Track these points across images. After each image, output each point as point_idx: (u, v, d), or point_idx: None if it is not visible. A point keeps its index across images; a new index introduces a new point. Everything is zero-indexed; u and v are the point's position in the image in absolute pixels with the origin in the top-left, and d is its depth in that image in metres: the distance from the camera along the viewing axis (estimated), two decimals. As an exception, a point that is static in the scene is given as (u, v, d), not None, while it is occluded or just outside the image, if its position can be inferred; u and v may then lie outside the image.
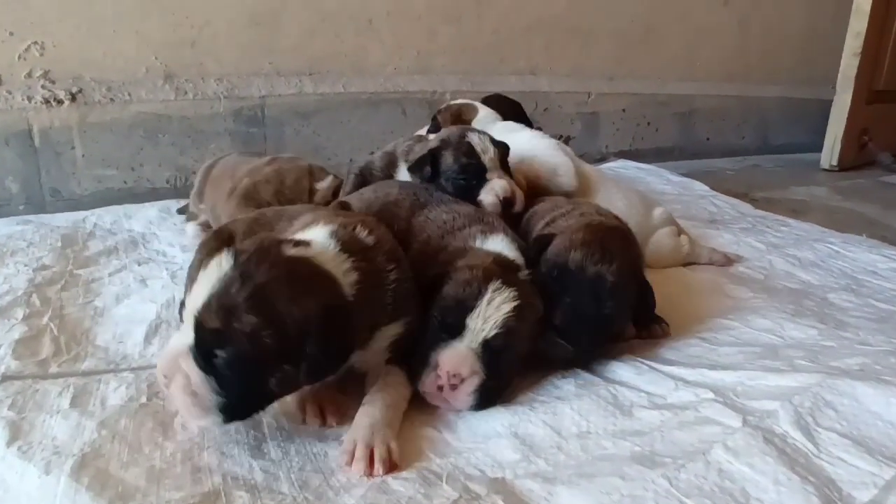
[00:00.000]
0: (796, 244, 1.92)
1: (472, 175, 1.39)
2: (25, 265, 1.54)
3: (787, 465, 0.80)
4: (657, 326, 1.24)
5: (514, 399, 1.01)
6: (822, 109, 3.44)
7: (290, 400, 0.96)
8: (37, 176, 2.07)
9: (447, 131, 1.51)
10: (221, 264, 0.83)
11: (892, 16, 3.27)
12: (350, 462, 0.83)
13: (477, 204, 1.36)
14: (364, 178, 1.58)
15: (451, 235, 1.17)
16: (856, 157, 3.42)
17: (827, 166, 3.39)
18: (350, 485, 0.80)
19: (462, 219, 1.21)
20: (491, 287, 0.97)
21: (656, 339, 1.23)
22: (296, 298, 0.80)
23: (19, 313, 1.28)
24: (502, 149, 1.45)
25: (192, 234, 1.79)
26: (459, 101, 2.02)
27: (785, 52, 3.75)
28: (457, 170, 1.39)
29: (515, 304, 0.97)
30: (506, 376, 1.00)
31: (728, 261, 1.74)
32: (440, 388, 0.94)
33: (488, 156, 1.40)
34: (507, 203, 1.37)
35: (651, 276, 1.24)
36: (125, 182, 2.19)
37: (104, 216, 1.98)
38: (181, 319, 1.00)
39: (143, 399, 0.98)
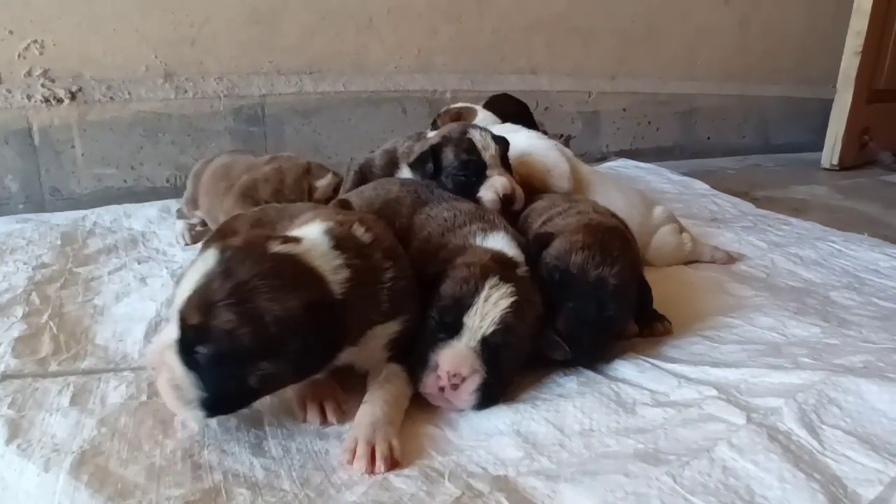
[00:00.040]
0: (798, 243, 1.92)
1: (472, 171, 1.38)
2: (25, 263, 1.54)
3: (792, 463, 0.80)
4: (659, 324, 1.24)
5: (516, 397, 1.01)
6: (823, 109, 3.44)
7: (291, 398, 0.96)
8: (36, 175, 2.07)
9: (448, 128, 1.51)
10: (207, 260, 0.83)
11: (892, 15, 3.27)
12: (351, 460, 0.82)
13: (477, 201, 1.35)
14: (364, 176, 1.57)
15: (451, 233, 1.17)
16: (856, 157, 3.42)
17: (828, 165, 3.39)
18: (352, 482, 0.80)
19: (463, 216, 1.20)
20: (488, 284, 0.96)
21: (658, 336, 1.23)
22: (276, 296, 0.80)
23: (19, 311, 1.27)
24: (503, 145, 1.45)
25: (180, 229, 1.79)
26: (459, 104, 2.02)
27: (785, 51, 3.75)
28: (457, 166, 1.39)
29: (513, 300, 0.96)
30: (507, 374, 0.99)
31: (730, 259, 1.74)
32: (441, 388, 0.94)
33: (489, 152, 1.40)
34: (507, 200, 1.37)
35: (652, 275, 1.24)
36: (125, 181, 2.19)
37: (104, 215, 1.98)
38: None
39: (143, 397, 0.97)
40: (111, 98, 2.11)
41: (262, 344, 0.79)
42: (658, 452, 0.84)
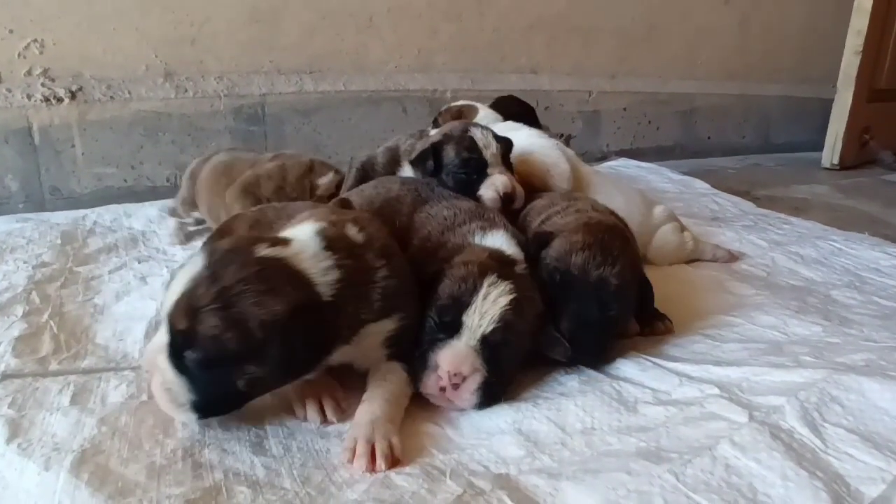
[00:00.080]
0: (799, 242, 1.92)
1: (473, 169, 1.38)
2: (25, 262, 1.54)
3: (795, 461, 0.80)
4: (660, 323, 1.24)
5: (517, 395, 1.01)
6: (823, 108, 3.44)
7: (291, 397, 0.95)
8: (36, 174, 2.07)
9: (450, 126, 1.51)
10: (195, 264, 0.84)
11: (893, 14, 3.27)
12: (352, 459, 0.82)
13: (477, 199, 1.35)
14: (366, 173, 1.57)
15: (450, 232, 1.17)
16: (857, 156, 3.41)
17: (828, 165, 3.38)
18: (353, 480, 0.80)
19: (463, 215, 1.20)
20: (486, 282, 0.96)
21: (659, 335, 1.22)
22: (261, 300, 0.80)
23: (19, 310, 1.27)
24: (505, 144, 1.45)
25: (172, 228, 1.79)
26: (460, 102, 2.02)
27: (786, 50, 3.75)
28: (458, 164, 1.39)
29: (512, 297, 0.96)
30: (507, 372, 0.99)
31: (732, 257, 1.74)
32: (442, 388, 0.93)
33: (490, 151, 1.40)
34: (507, 199, 1.37)
35: (653, 274, 1.24)
36: (125, 180, 2.19)
37: (104, 214, 1.97)
38: None
39: (144, 397, 0.97)
40: (111, 97, 2.11)
41: (247, 348, 0.80)
42: (660, 450, 0.83)
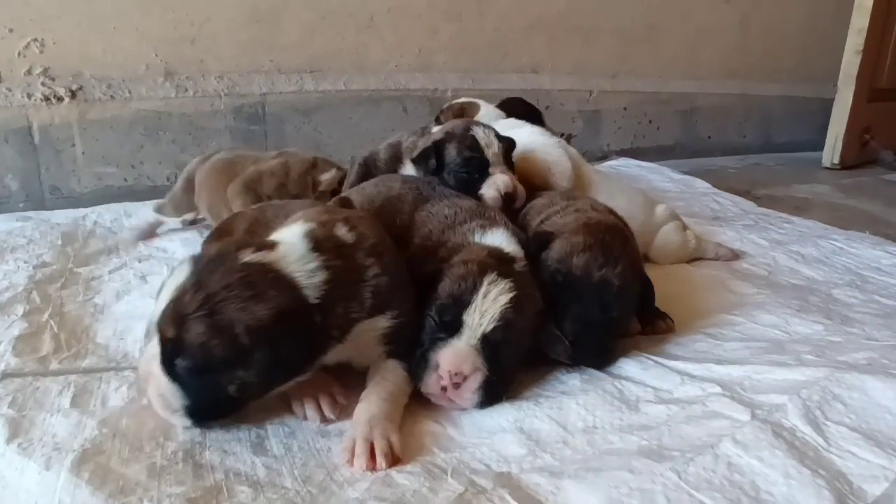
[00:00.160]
0: (800, 241, 1.92)
1: (474, 168, 1.38)
2: (25, 262, 1.53)
3: (797, 459, 0.79)
4: (661, 322, 1.23)
5: (518, 394, 1.00)
6: (824, 107, 3.44)
7: (290, 397, 0.95)
8: (36, 173, 2.06)
9: (452, 124, 1.51)
10: (181, 271, 0.84)
11: (893, 13, 3.27)
12: (351, 460, 0.82)
13: (478, 198, 1.35)
14: (368, 170, 1.57)
15: (451, 231, 1.16)
16: (858, 156, 3.41)
17: (829, 164, 3.38)
18: (354, 479, 0.79)
19: (463, 214, 1.20)
20: (486, 280, 0.96)
21: (661, 334, 1.22)
22: (246, 306, 0.80)
23: (19, 310, 1.27)
24: (507, 143, 1.45)
25: (138, 222, 1.80)
26: (462, 99, 2.01)
27: (786, 50, 3.75)
28: (460, 163, 1.39)
29: (512, 295, 0.96)
30: (508, 370, 0.99)
31: (733, 255, 1.74)
32: (443, 388, 0.93)
33: (492, 150, 1.40)
34: (508, 198, 1.37)
35: (654, 273, 1.24)
36: (125, 180, 2.18)
37: (104, 214, 1.97)
38: None
39: (145, 400, 0.96)
40: (111, 97, 2.11)
41: (234, 354, 0.81)
42: (662, 449, 0.83)
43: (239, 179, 1.62)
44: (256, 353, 0.81)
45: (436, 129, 1.55)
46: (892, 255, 1.77)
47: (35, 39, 2.00)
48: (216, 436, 0.89)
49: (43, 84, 2.02)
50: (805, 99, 3.86)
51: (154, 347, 0.85)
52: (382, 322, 0.95)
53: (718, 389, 0.97)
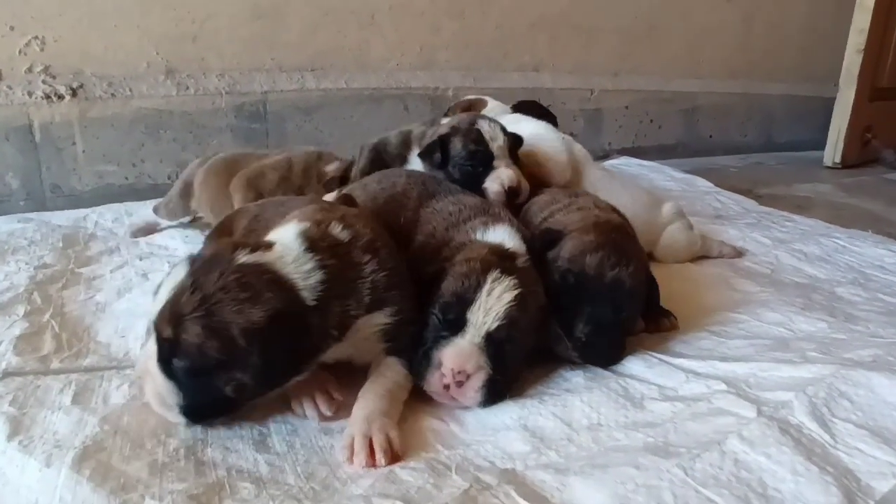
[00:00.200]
0: (802, 239, 1.92)
1: (479, 162, 1.38)
2: (27, 263, 1.53)
3: (805, 456, 0.79)
4: (666, 320, 1.23)
5: (522, 392, 1.00)
6: (826, 107, 3.43)
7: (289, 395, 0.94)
8: (37, 171, 2.06)
9: (458, 118, 1.51)
10: (178, 272, 0.84)
11: (895, 12, 3.26)
12: (351, 457, 0.81)
13: (482, 191, 1.35)
14: (378, 155, 1.58)
15: (455, 228, 1.16)
16: (859, 155, 3.41)
17: (830, 164, 3.38)
18: (357, 475, 0.79)
19: (467, 211, 1.19)
20: (490, 277, 0.95)
21: (665, 332, 1.22)
22: (241, 308, 0.80)
23: (20, 310, 1.26)
24: (512, 138, 1.45)
25: (136, 221, 1.82)
26: (470, 96, 2.02)
27: (788, 49, 3.75)
28: (465, 156, 1.39)
29: (517, 292, 0.95)
30: (512, 369, 0.98)
31: (737, 253, 1.75)
32: (446, 386, 0.92)
33: (497, 143, 1.40)
34: (511, 192, 1.37)
35: (657, 271, 1.24)
36: (126, 178, 2.18)
37: (105, 214, 1.97)
38: None
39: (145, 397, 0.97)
40: (112, 95, 2.10)
41: (231, 356, 0.81)
42: (668, 446, 0.83)
43: (242, 174, 1.61)
44: (253, 356, 0.81)
45: (445, 120, 1.56)
46: (894, 253, 1.77)
47: (36, 37, 1.99)
48: (218, 433, 0.88)
49: (44, 82, 2.02)
50: (806, 98, 3.85)
51: (151, 345, 0.85)
52: (381, 318, 0.95)
53: (724, 387, 0.97)
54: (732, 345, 1.16)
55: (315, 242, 0.90)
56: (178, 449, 0.84)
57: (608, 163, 2.93)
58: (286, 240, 0.90)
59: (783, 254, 1.77)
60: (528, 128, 1.60)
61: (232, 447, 0.85)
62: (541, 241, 1.15)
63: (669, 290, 1.26)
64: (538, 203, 1.38)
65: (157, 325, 0.83)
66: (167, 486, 0.76)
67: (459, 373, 0.92)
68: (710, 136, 3.60)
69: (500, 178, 1.36)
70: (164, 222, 1.81)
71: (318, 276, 0.87)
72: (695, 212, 2.16)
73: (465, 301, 0.95)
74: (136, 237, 1.77)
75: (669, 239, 1.64)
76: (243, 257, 0.85)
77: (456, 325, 0.94)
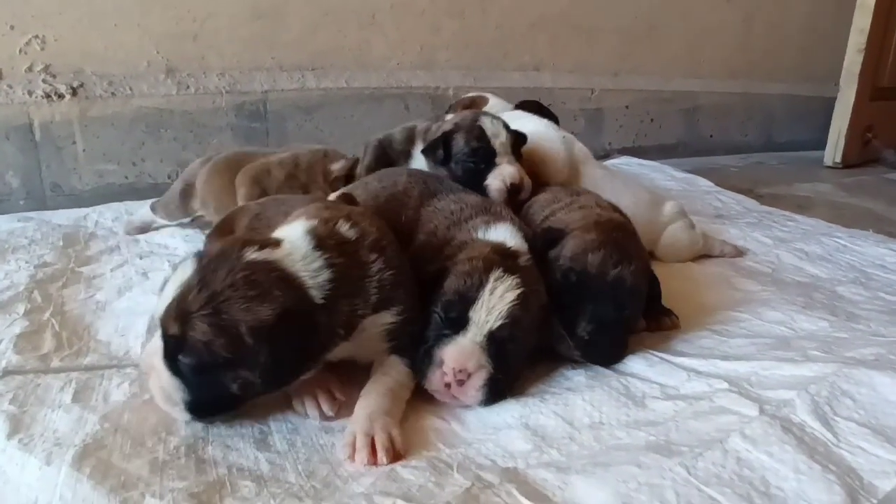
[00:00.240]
0: (803, 238, 1.92)
1: (481, 159, 1.39)
2: (27, 262, 1.52)
3: (807, 454, 0.79)
4: (667, 319, 1.23)
5: (524, 391, 1.00)
6: (826, 106, 3.43)
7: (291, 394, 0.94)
8: (37, 170, 2.05)
9: (461, 115, 1.52)
10: (185, 268, 0.84)
11: (896, 12, 3.26)
12: (352, 455, 0.81)
13: (485, 188, 1.35)
14: (383, 150, 1.58)
15: (456, 227, 1.16)
16: (860, 154, 3.41)
17: (831, 163, 3.38)
18: (358, 474, 0.79)
19: (469, 209, 1.19)
20: (492, 276, 0.95)
21: (666, 331, 1.22)
22: (250, 306, 0.80)
23: (20, 308, 1.26)
24: (515, 135, 1.45)
25: (134, 218, 1.83)
26: (472, 93, 2.03)
27: (788, 49, 3.74)
28: (467, 153, 1.39)
29: (519, 291, 0.95)
30: (514, 368, 0.98)
31: (738, 252, 1.75)
32: (447, 385, 0.92)
33: (499, 140, 1.40)
34: (514, 189, 1.36)
35: (658, 270, 1.24)
36: (126, 177, 2.17)
37: (105, 213, 1.96)
38: None
39: (147, 396, 0.95)
40: (112, 94, 2.10)
41: (238, 354, 0.80)
42: (670, 444, 0.82)
43: (247, 168, 1.61)
44: (260, 354, 0.80)
45: (449, 116, 1.56)
46: (895, 252, 1.77)
47: (36, 36, 1.99)
48: (218, 431, 0.88)
49: (44, 81, 2.02)
50: (807, 98, 3.85)
51: (157, 341, 0.85)
52: (387, 318, 0.95)
53: (725, 385, 0.96)
54: (734, 343, 1.16)
55: (323, 240, 0.90)
56: (178, 447, 0.84)
57: (608, 162, 2.93)
58: (294, 237, 0.89)
59: (784, 253, 1.77)
60: (528, 125, 1.59)
61: (233, 445, 0.85)
62: (542, 240, 1.15)
63: (671, 288, 1.26)
64: (539, 201, 1.38)
65: (164, 323, 0.83)
66: (168, 485, 0.76)
67: (460, 371, 0.91)
68: (711, 136, 3.60)
69: (502, 175, 1.36)
70: (161, 221, 1.81)
71: (326, 275, 0.86)
72: (696, 211, 2.16)
73: (467, 299, 0.94)
74: (130, 234, 1.77)
75: (671, 238, 1.64)
76: (251, 254, 0.84)
77: (458, 323, 0.94)
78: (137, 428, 0.87)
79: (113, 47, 2.09)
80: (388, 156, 1.56)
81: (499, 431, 0.89)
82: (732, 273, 1.59)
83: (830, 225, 2.08)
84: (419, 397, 0.96)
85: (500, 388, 0.95)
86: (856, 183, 2.99)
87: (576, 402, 0.95)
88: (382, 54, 2.54)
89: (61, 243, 1.68)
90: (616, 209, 1.30)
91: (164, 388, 0.85)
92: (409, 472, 0.79)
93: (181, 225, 1.82)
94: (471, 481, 0.77)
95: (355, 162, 1.63)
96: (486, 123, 1.41)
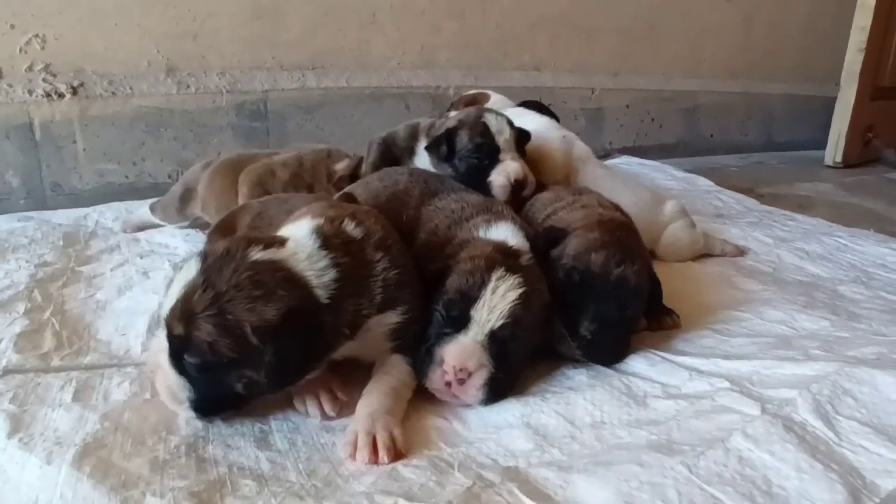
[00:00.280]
0: (804, 238, 1.92)
1: (485, 155, 1.39)
2: (27, 261, 1.52)
3: (809, 453, 0.79)
4: (668, 318, 1.23)
5: (525, 390, 1.00)
6: (826, 106, 3.43)
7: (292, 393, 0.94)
8: (38, 170, 2.05)
9: (465, 112, 1.52)
10: (190, 268, 0.84)
11: (896, 11, 3.26)
12: (354, 454, 0.81)
13: (488, 185, 1.34)
14: (388, 148, 1.58)
15: (457, 226, 1.16)
16: (860, 154, 3.41)
17: (831, 163, 3.38)
18: (359, 472, 0.79)
19: (470, 208, 1.19)
20: (494, 275, 0.95)
21: (667, 330, 1.21)
22: (255, 306, 0.80)
23: (21, 307, 1.26)
24: (519, 133, 1.45)
25: (131, 217, 1.84)
26: (473, 91, 2.03)
27: (789, 48, 3.74)
28: (471, 149, 1.39)
29: (521, 290, 0.95)
30: (515, 367, 0.98)
31: (739, 252, 1.74)
32: (448, 383, 0.92)
33: (503, 137, 1.40)
34: (517, 185, 1.36)
35: (659, 270, 1.23)
36: (126, 177, 2.17)
37: (106, 212, 1.96)
38: None
39: (147, 395, 0.96)
40: (113, 93, 2.10)
41: (243, 354, 0.80)
42: (672, 443, 0.82)
43: (251, 168, 1.60)
44: (265, 354, 0.80)
45: (452, 113, 1.57)
46: (896, 251, 1.77)
47: (36, 35, 1.99)
48: (219, 430, 0.88)
49: (44, 80, 2.01)
50: (807, 97, 3.85)
51: (163, 339, 0.85)
52: (392, 318, 0.95)
53: (727, 384, 0.96)
54: (735, 343, 1.16)
55: (329, 239, 0.89)
56: (179, 446, 0.84)
57: (609, 162, 2.93)
58: (300, 236, 0.89)
59: (785, 252, 1.77)
60: (529, 123, 1.59)
61: (233, 444, 0.85)
62: (544, 239, 1.15)
63: (671, 288, 1.25)
64: (541, 200, 1.38)
65: (169, 323, 0.82)
66: (168, 483, 0.76)
67: (461, 370, 0.91)
68: (711, 136, 3.60)
69: (505, 171, 1.36)
70: (159, 222, 1.81)
71: (331, 274, 0.86)
72: (696, 211, 2.15)
73: (469, 298, 0.94)
74: (127, 232, 1.78)
75: (672, 237, 1.64)
76: (256, 254, 0.84)
77: (459, 322, 0.94)
78: (138, 427, 0.87)
79: (113, 47, 2.09)
80: (392, 153, 1.56)
81: (500, 430, 0.89)
82: (733, 272, 1.59)
83: (831, 224, 2.08)
84: (421, 396, 0.96)
85: (501, 387, 0.95)
86: (856, 182, 2.99)
87: (577, 401, 0.95)
88: (383, 54, 2.54)
89: (61, 243, 1.68)
90: (618, 208, 1.30)
91: (170, 386, 0.85)
92: (411, 470, 0.79)
93: (180, 225, 1.82)
94: (472, 480, 0.76)
95: (359, 161, 1.63)
96: (491, 120, 1.41)
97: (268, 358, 0.80)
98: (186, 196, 1.75)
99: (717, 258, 1.72)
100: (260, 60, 2.31)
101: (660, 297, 1.19)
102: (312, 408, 0.92)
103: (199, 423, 0.89)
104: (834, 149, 3.37)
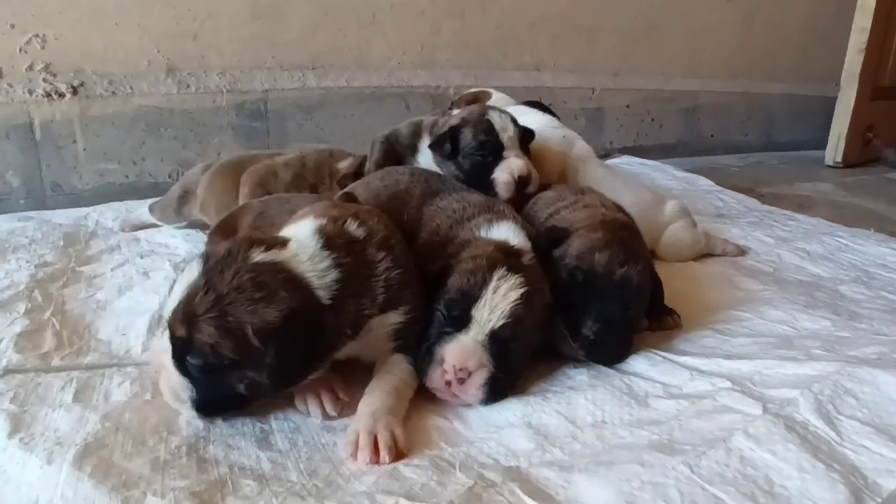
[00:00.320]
0: (805, 238, 1.91)
1: (489, 152, 1.39)
2: (27, 261, 1.52)
3: (811, 453, 0.78)
4: (669, 318, 1.23)
5: (526, 389, 1.00)
6: (827, 106, 3.43)
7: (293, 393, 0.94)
8: (38, 170, 2.05)
9: (468, 109, 1.52)
10: (192, 270, 0.84)
11: (896, 11, 3.26)
12: (355, 453, 0.81)
13: (492, 182, 1.34)
14: (390, 146, 1.57)
15: (459, 226, 1.16)
16: (860, 154, 3.41)
17: (831, 163, 3.38)
18: (360, 472, 0.79)
19: (472, 208, 1.19)
20: (496, 275, 0.95)
21: (668, 330, 1.21)
22: (256, 309, 0.80)
23: (21, 307, 1.26)
24: (522, 130, 1.45)
25: (130, 217, 1.85)
26: (474, 89, 2.03)
27: (789, 48, 3.74)
28: (475, 146, 1.39)
29: (523, 290, 0.95)
30: (515, 367, 0.98)
31: (740, 251, 1.74)
32: (448, 383, 0.92)
33: (507, 134, 1.40)
34: (521, 182, 1.36)
35: (660, 269, 1.23)
36: (126, 176, 2.17)
37: (106, 212, 1.96)
38: None
39: (148, 395, 0.96)
40: (113, 93, 2.10)
41: (244, 356, 0.81)
42: (673, 443, 0.82)
43: (253, 169, 1.60)
44: (267, 355, 0.80)
45: (456, 111, 1.56)
46: (897, 251, 1.77)
47: (36, 35, 1.98)
48: (220, 430, 0.88)
49: (44, 80, 2.01)
50: (807, 97, 3.85)
51: (166, 340, 0.85)
52: (394, 318, 0.95)
53: (728, 384, 0.96)
54: (736, 343, 1.16)
55: (331, 240, 0.89)
56: (179, 446, 0.84)
57: (609, 162, 2.93)
58: (302, 237, 0.89)
59: (786, 252, 1.77)
60: (530, 121, 1.59)
61: (234, 444, 0.85)
62: (546, 239, 1.14)
63: (672, 288, 1.25)
64: (543, 200, 1.37)
65: (171, 325, 0.83)
66: (169, 483, 0.76)
67: (461, 370, 0.91)
68: (711, 136, 3.60)
69: (510, 168, 1.36)
70: (158, 222, 1.81)
71: (333, 275, 0.86)
72: (697, 210, 2.15)
73: (470, 298, 0.94)
74: (126, 231, 1.78)
75: (673, 237, 1.64)
76: (258, 255, 0.84)
77: (460, 321, 0.94)
78: (138, 427, 0.87)
79: (113, 46, 2.09)
80: (395, 151, 1.55)
81: (501, 430, 0.89)
82: (734, 272, 1.59)
83: (832, 224, 2.08)
84: (422, 396, 0.96)
85: (502, 387, 0.95)
86: (856, 182, 2.99)
87: (578, 400, 0.95)
88: (383, 54, 2.54)
89: (62, 243, 1.68)
90: (620, 209, 1.30)
91: (173, 386, 0.85)
92: (412, 470, 0.79)
93: (177, 226, 1.82)
94: (473, 480, 0.76)
95: (363, 160, 1.63)
96: (495, 117, 1.41)
97: (269, 359, 0.80)
98: (185, 198, 1.74)
99: (718, 258, 1.72)
100: (260, 60, 2.31)
101: (661, 297, 1.20)
102: (314, 407, 0.92)
103: (199, 423, 0.88)
104: (834, 149, 3.37)
